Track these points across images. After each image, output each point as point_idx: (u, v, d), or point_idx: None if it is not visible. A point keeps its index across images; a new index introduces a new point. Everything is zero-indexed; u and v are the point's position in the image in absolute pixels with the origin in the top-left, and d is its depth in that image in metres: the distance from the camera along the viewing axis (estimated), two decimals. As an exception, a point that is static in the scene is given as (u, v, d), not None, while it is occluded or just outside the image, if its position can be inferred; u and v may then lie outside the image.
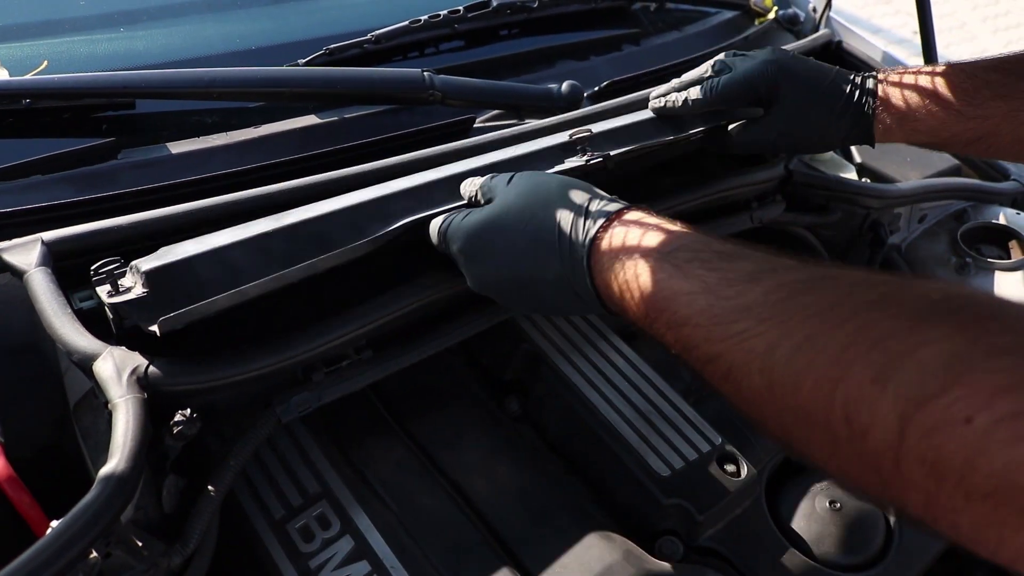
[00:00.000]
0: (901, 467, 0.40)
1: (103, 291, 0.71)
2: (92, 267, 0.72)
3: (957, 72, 0.91)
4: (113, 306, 0.70)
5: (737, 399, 0.54)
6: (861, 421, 0.42)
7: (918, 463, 0.39)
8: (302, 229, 0.77)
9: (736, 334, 0.53)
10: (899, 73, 0.96)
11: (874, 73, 0.97)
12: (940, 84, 0.91)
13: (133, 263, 0.73)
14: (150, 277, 0.71)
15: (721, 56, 1.01)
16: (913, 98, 0.92)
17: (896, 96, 0.94)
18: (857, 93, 0.94)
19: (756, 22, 1.49)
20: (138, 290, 0.71)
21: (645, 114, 1.02)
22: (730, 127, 1.01)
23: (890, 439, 0.40)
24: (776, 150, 1.03)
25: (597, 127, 0.97)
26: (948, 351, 0.39)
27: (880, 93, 0.94)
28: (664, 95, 1.01)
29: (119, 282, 0.72)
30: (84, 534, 0.58)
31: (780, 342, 0.50)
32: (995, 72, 0.89)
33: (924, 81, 0.92)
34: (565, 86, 1.13)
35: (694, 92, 0.97)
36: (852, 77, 0.96)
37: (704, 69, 1.00)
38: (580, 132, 0.93)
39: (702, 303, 0.57)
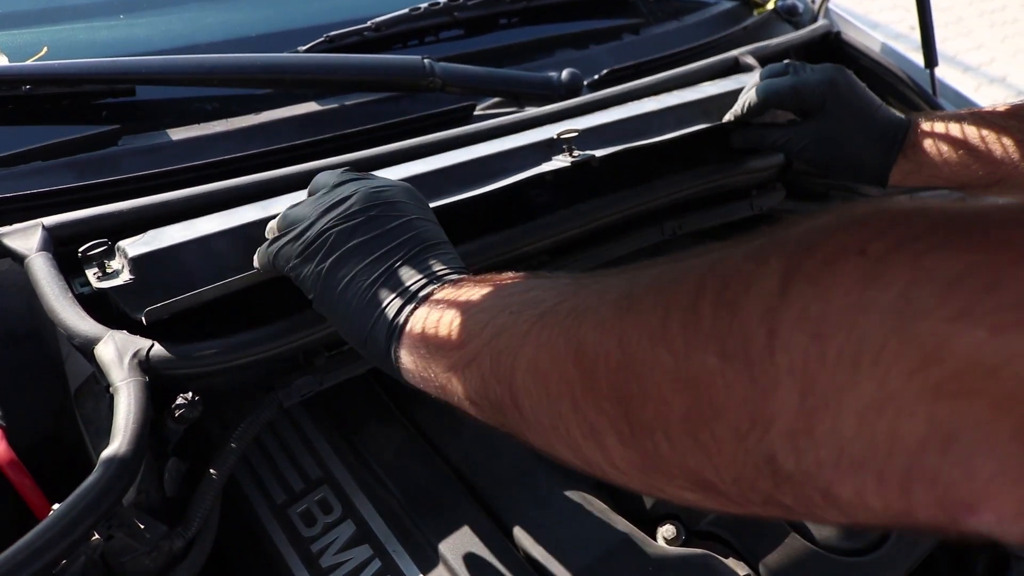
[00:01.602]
0: (775, 344, 0.33)
1: (92, 274, 0.72)
2: (80, 249, 0.73)
3: (974, 118, 0.93)
4: (101, 291, 0.71)
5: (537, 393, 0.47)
6: (731, 293, 0.35)
7: (798, 323, 0.32)
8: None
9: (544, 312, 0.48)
10: (931, 120, 0.97)
11: (916, 118, 0.98)
12: (956, 130, 0.93)
13: (119, 244, 0.73)
14: (136, 264, 0.71)
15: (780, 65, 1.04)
16: (941, 146, 0.94)
17: (926, 143, 0.95)
18: (891, 135, 0.96)
19: (755, 12, 1.49)
20: (125, 276, 0.71)
21: (641, 107, 1.02)
22: (761, 123, 1.04)
23: (767, 302, 0.33)
24: (800, 159, 1.03)
25: (587, 122, 0.97)
26: (831, 222, 0.34)
27: (909, 140, 0.96)
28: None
29: (107, 264, 0.72)
30: (86, 516, 0.58)
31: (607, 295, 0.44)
32: (1012, 119, 0.91)
33: (954, 130, 0.94)
34: (565, 74, 1.13)
35: (751, 95, 1.01)
36: (894, 121, 0.97)
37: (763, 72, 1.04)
38: (567, 132, 0.92)
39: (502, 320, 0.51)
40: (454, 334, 0.54)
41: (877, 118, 0.97)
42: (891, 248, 0.31)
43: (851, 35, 1.49)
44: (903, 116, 0.98)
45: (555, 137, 0.92)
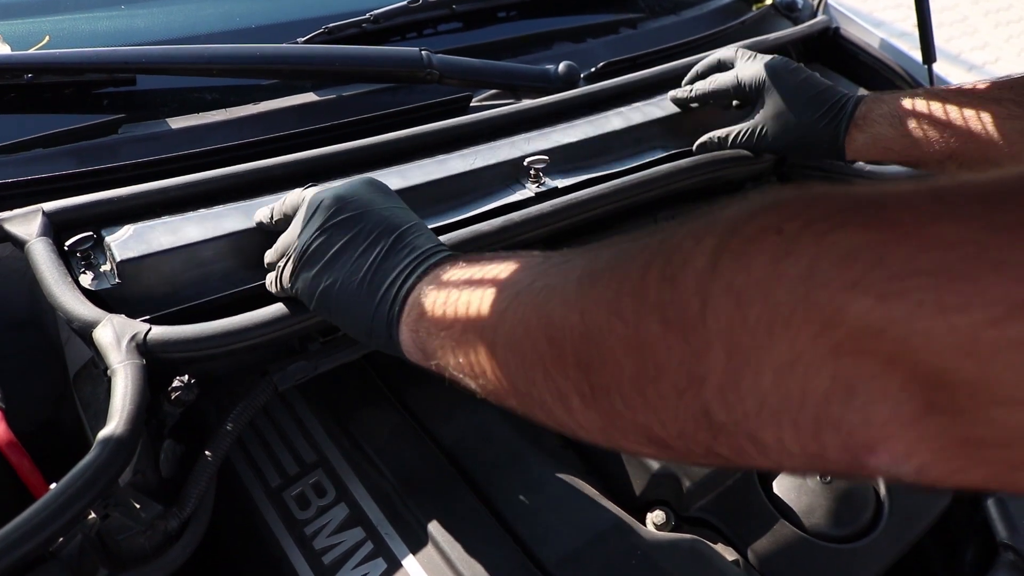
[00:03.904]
0: (706, 311, 0.37)
1: (83, 278, 0.75)
2: (67, 243, 0.74)
3: (934, 96, 0.95)
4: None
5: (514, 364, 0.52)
6: (671, 269, 0.40)
7: (725, 293, 0.37)
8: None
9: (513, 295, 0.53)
10: (885, 98, 0.99)
11: (862, 95, 1.00)
12: (931, 108, 0.95)
13: (106, 240, 0.75)
14: (122, 268, 0.74)
15: (723, 53, 1.10)
16: (897, 120, 0.96)
17: (880, 116, 0.97)
18: (838, 108, 0.99)
19: (754, 7, 1.49)
20: (112, 278, 0.75)
21: (606, 125, 1.06)
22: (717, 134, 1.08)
23: (700, 274, 0.38)
24: (758, 149, 1.07)
25: (556, 139, 1.01)
26: (757, 204, 0.39)
27: (859, 112, 0.98)
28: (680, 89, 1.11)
29: (96, 262, 0.76)
30: (83, 494, 0.59)
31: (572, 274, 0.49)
32: (963, 96, 0.93)
33: (907, 104, 0.96)
34: (562, 67, 1.14)
35: (699, 85, 1.08)
36: (839, 95, 1.00)
37: (709, 62, 1.10)
38: (536, 159, 0.95)
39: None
40: (443, 316, 0.59)
41: (824, 96, 1.00)
42: (802, 227, 0.35)
43: (850, 31, 1.49)
44: (854, 94, 1.01)
45: (524, 164, 0.95)
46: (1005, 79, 0.93)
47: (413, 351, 0.63)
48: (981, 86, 0.93)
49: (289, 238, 0.71)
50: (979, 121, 0.91)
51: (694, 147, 1.08)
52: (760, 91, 1.03)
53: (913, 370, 0.31)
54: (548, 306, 0.49)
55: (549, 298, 0.50)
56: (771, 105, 1.02)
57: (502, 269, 0.57)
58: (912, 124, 0.95)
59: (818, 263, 0.33)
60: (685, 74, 1.15)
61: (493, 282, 0.57)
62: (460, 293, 0.59)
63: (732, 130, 1.06)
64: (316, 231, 0.68)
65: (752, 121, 1.04)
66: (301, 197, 0.72)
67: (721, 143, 1.07)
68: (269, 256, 0.76)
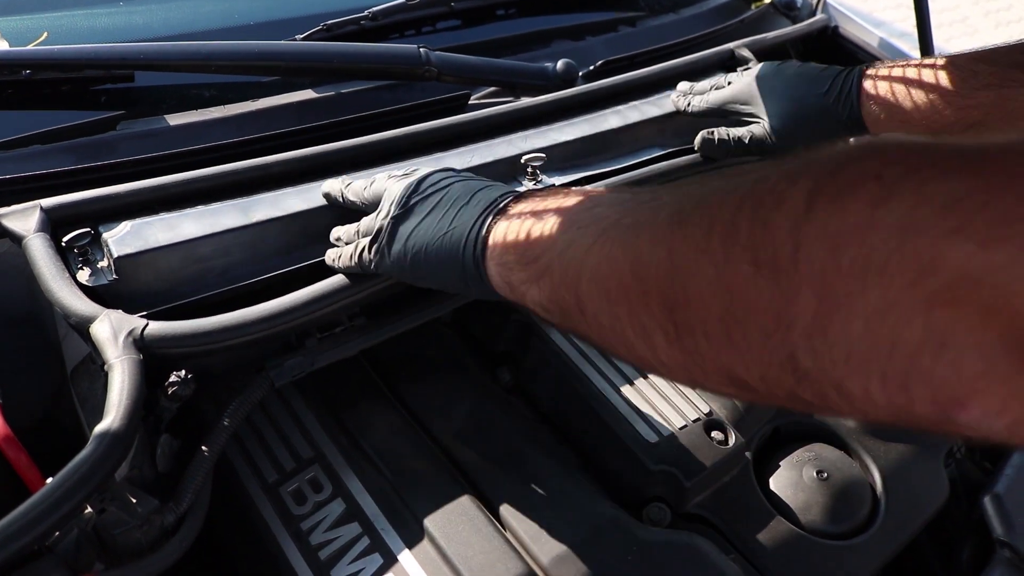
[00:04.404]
0: (798, 255, 0.37)
1: (80, 274, 0.75)
2: (64, 240, 0.74)
3: (945, 64, 0.93)
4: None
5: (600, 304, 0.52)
6: (764, 210, 0.39)
7: (819, 237, 0.36)
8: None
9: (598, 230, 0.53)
10: (888, 67, 0.97)
11: (862, 67, 0.98)
12: (928, 76, 0.93)
13: (103, 236, 0.75)
14: (119, 265, 0.75)
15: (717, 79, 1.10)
16: (903, 90, 0.94)
17: (885, 88, 0.95)
18: (842, 83, 0.97)
19: (752, 6, 1.49)
20: (109, 274, 0.75)
21: (604, 123, 1.06)
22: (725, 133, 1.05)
23: (793, 217, 0.37)
24: (775, 147, 1.03)
25: (553, 137, 1.01)
26: (855, 150, 0.38)
27: (868, 84, 0.96)
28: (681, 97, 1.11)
29: (93, 258, 0.76)
30: (79, 489, 0.59)
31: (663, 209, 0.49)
32: (982, 63, 0.91)
33: (912, 73, 0.95)
34: (560, 64, 1.14)
35: (696, 101, 1.08)
36: (840, 70, 0.98)
37: (713, 82, 1.10)
38: (533, 157, 0.95)
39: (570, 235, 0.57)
40: (526, 249, 0.61)
41: (825, 74, 0.99)
42: (902, 175, 0.34)
43: (849, 30, 1.49)
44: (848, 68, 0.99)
45: (521, 162, 0.95)
46: (1016, 43, 0.92)
47: (503, 287, 0.64)
48: (999, 52, 0.92)
49: (371, 219, 0.74)
50: (1000, 87, 0.89)
51: (696, 143, 1.05)
52: (759, 92, 1.02)
53: (1011, 322, 0.30)
54: (636, 243, 0.49)
55: (637, 235, 0.49)
56: (775, 99, 1.01)
57: (589, 205, 0.58)
58: (931, 95, 0.93)
59: (918, 210, 0.33)
60: (683, 73, 1.15)
61: (577, 217, 0.57)
62: (543, 226, 0.60)
63: (743, 132, 1.03)
64: (401, 207, 0.71)
65: (761, 121, 1.02)
66: (384, 187, 0.75)
67: (736, 145, 1.03)
68: (340, 232, 0.79)
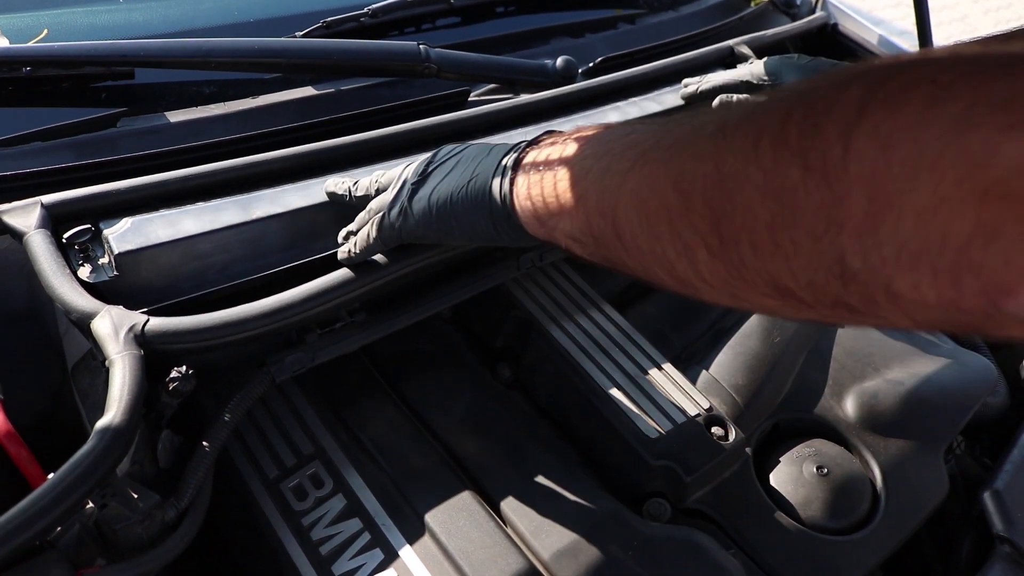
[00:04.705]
0: (848, 156, 0.37)
1: (80, 270, 0.75)
2: (65, 236, 0.74)
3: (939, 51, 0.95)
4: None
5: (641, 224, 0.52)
6: (814, 115, 0.40)
7: (870, 137, 0.36)
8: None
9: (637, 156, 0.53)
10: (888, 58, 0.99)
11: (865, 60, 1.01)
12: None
13: (104, 233, 0.75)
14: (120, 261, 0.75)
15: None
16: None
17: None
18: None
19: (752, 3, 1.49)
20: (110, 271, 0.75)
21: (613, 117, 1.06)
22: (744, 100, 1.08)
23: (844, 121, 0.38)
24: None
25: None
26: (909, 58, 0.39)
27: None
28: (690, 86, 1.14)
29: (94, 254, 0.76)
30: (80, 484, 0.59)
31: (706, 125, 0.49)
32: (976, 45, 0.92)
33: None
34: (560, 61, 1.14)
35: (705, 84, 1.10)
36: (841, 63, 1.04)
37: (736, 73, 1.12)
38: None
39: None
40: (560, 181, 0.61)
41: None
42: (958, 78, 0.35)
43: (848, 27, 1.49)
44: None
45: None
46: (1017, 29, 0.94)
47: (532, 223, 0.65)
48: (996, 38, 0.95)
49: (384, 197, 0.75)
50: None
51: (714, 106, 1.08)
52: (768, 76, 1.06)
53: None
54: (679, 160, 0.49)
55: (679, 152, 0.50)
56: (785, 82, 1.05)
57: (623, 132, 0.58)
58: None
59: (975, 107, 0.33)
60: (683, 70, 1.15)
61: (610, 145, 0.57)
62: (574, 157, 0.60)
63: None
64: (419, 175, 0.72)
65: None
66: (396, 172, 0.77)
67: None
68: (349, 228, 0.80)
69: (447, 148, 0.75)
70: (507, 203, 0.66)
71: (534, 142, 0.67)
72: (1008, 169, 0.32)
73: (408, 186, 0.73)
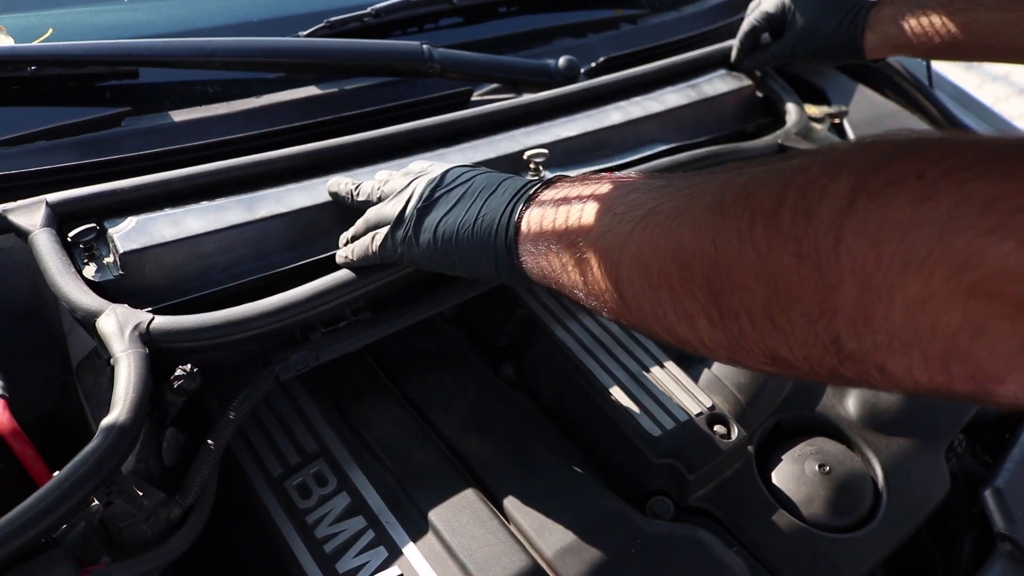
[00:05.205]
0: (840, 248, 0.39)
1: (86, 269, 0.75)
2: (70, 235, 0.75)
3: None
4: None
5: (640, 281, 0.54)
6: (807, 203, 0.41)
7: (861, 231, 0.38)
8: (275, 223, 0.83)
9: (645, 214, 0.55)
10: (893, 1, 1.11)
11: (873, 1, 1.13)
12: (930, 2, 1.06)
13: (109, 232, 0.76)
14: (125, 260, 0.75)
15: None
16: (899, 21, 1.09)
17: (884, 18, 1.11)
18: (854, 14, 1.13)
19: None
20: (115, 270, 0.75)
21: (606, 119, 1.07)
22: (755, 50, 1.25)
23: (836, 212, 0.40)
24: (792, 57, 1.22)
25: (555, 133, 1.02)
26: (897, 147, 0.40)
27: (872, 15, 1.12)
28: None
29: (99, 253, 0.76)
30: (86, 481, 0.60)
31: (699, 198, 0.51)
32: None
33: (911, 5, 1.08)
34: (562, 61, 1.14)
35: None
36: (853, 3, 1.14)
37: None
38: (535, 153, 0.95)
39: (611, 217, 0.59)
40: (565, 236, 0.62)
41: (840, 4, 1.15)
42: (943, 174, 0.36)
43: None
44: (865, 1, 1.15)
45: (523, 158, 0.95)
46: None
47: (535, 272, 0.66)
48: None
49: (386, 210, 0.75)
50: (976, 16, 1.02)
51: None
52: (786, 14, 1.19)
53: None
54: (678, 230, 0.51)
55: (679, 222, 0.51)
56: (798, 22, 1.17)
57: (624, 191, 0.59)
58: (916, 22, 1.06)
59: (957, 209, 0.35)
60: (685, 69, 1.15)
61: (612, 203, 0.58)
62: (578, 213, 0.61)
63: (770, 47, 1.22)
64: (425, 200, 0.72)
65: (784, 38, 1.20)
66: (400, 183, 0.77)
67: (760, 60, 1.24)
68: (349, 233, 0.80)
69: (455, 172, 0.74)
70: (512, 252, 0.66)
71: (543, 186, 0.68)
72: (992, 271, 0.34)
73: (414, 211, 0.73)
